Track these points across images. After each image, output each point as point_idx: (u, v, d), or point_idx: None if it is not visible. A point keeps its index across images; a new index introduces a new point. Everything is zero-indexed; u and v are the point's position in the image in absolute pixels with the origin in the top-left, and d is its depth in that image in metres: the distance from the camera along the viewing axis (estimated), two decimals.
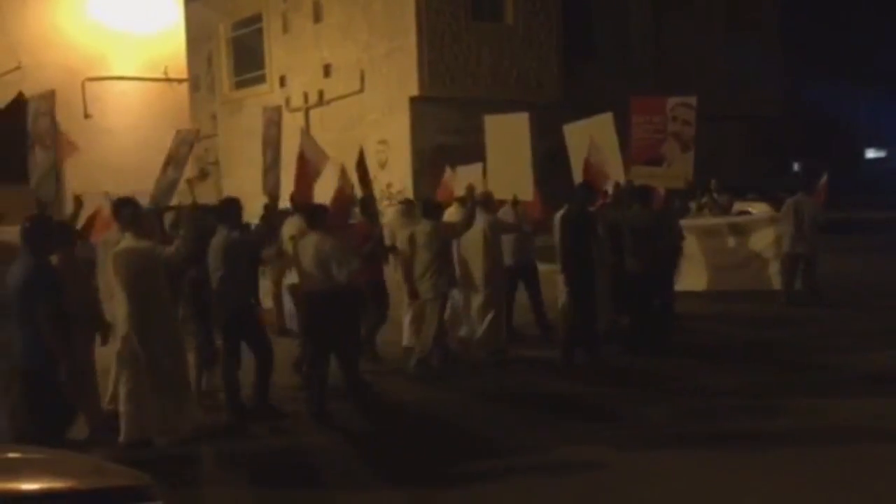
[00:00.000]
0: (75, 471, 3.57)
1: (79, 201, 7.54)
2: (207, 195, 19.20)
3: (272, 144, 8.16)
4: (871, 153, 36.81)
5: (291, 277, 8.32)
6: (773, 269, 11.62)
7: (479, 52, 20.62)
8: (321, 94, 22.29)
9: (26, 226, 5.45)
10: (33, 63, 17.78)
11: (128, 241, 6.34)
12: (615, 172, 9.56)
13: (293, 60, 23.44)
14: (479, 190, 9.21)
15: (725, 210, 13.51)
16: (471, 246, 8.84)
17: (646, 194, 9.01)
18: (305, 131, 8.83)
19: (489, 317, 8.80)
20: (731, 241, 12.06)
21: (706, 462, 5.69)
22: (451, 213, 9.51)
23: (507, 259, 9.27)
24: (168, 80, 19.46)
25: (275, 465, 6.15)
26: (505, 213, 9.34)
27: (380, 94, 20.66)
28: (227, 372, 7.01)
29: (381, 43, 20.75)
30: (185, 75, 20.01)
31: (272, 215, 7.82)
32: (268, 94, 24.37)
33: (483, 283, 8.81)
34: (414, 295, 8.54)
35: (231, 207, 7.10)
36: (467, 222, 8.60)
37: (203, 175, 25.07)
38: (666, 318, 9.18)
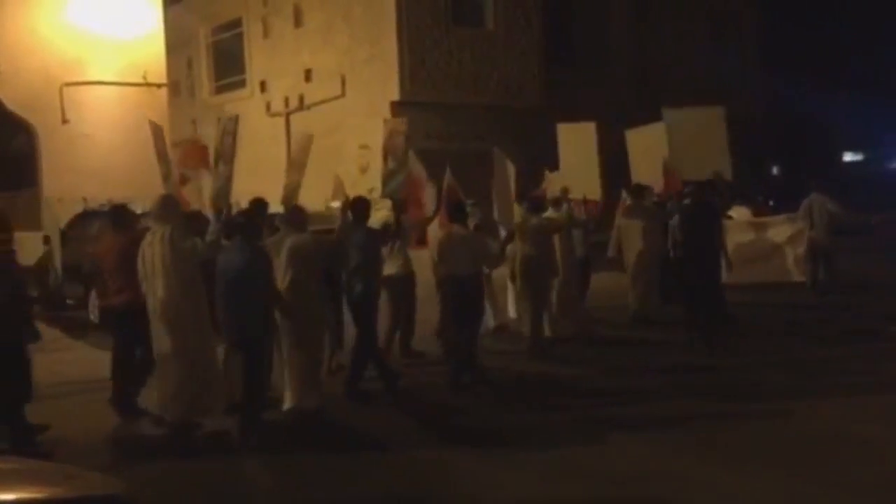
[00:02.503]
0: (49, 480, 3.55)
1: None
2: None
3: (393, 153, 9.05)
4: (847, 156, 37.17)
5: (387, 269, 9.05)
6: (790, 262, 12.66)
7: (459, 57, 20.64)
8: (302, 98, 22.22)
9: (242, 221, 6.78)
10: (11, 69, 17.63)
11: (288, 233, 7.34)
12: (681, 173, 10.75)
13: (274, 65, 23.37)
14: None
15: None
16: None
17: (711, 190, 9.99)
18: (413, 158, 9.81)
19: (574, 302, 9.94)
20: (750, 236, 13.00)
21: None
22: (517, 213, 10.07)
23: (579, 250, 10.34)
24: (147, 84, 19.34)
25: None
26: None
27: (361, 99, 20.63)
28: (367, 348, 7.76)
29: (361, 48, 20.73)
30: (164, 80, 19.90)
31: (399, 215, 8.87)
32: (248, 98, 24.27)
33: (564, 272, 9.82)
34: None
35: (362, 206, 8.02)
36: (568, 219, 9.79)
37: (184, 180, 24.90)
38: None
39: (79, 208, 13.69)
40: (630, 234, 10.50)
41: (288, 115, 22.47)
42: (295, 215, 7.48)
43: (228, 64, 25.35)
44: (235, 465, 6.17)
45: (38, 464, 4.10)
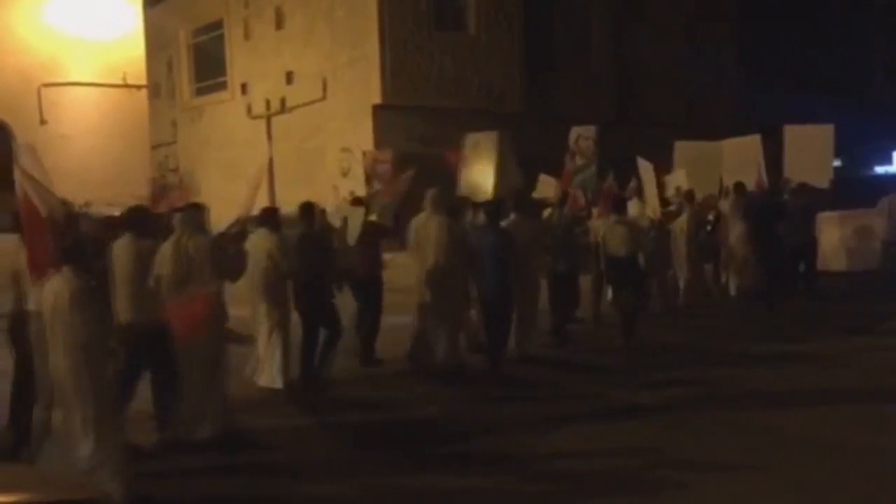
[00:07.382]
0: (22, 485, 3.51)
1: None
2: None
3: (581, 153, 11.22)
4: None
5: None
6: (862, 253, 14.30)
7: (441, 61, 20.68)
8: (283, 101, 22.15)
9: (492, 210, 8.80)
10: None
11: (520, 219, 9.30)
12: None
13: (255, 67, 23.29)
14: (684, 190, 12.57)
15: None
16: (678, 231, 12.12)
17: (801, 188, 12.32)
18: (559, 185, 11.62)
19: (685, 283, 12.20)
20: (831, 229, 14.85)
21: None
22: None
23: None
24: (127, 86, 19.23)
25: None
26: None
27: (342, 102, 20.61)
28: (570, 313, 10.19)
29: (343, 51, 20.71)
30: (144, 81, 19.78)
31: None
32: (229, 101, 24.18)
33: (687, 262, 12.09)
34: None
35: (526, 201, 9.98)
36: (679, 213, 12.12)
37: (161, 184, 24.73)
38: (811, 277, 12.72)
39: None
40: (735, 222, 12.56)
41: (269, 117, 22.40)
42: (525, 205, 9.52)
43: (209, 66, 25.23)
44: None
45: (14, 468, 4.05)
